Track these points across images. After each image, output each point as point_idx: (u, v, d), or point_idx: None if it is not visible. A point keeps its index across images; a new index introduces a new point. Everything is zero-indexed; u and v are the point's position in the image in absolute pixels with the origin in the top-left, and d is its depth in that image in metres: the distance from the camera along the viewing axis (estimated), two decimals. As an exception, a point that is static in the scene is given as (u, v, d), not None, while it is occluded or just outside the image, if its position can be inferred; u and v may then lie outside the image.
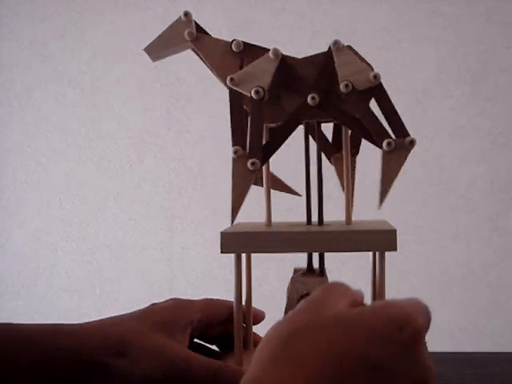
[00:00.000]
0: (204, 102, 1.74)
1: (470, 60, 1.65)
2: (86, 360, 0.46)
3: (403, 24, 1.66)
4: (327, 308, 0.34)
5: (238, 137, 0.50)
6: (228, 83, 0.50)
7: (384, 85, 0.50)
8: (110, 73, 1.79)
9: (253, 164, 0.49)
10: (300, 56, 0.53)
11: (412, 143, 0.50)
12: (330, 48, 0.51)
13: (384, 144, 0.49)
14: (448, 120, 1.65)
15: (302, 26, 1.69)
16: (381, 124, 0.50)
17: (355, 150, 0.56)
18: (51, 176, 1.84)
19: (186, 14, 0.54)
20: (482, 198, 1.65)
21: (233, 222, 0.51)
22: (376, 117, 0.50)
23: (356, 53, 0.52)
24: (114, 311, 0.57)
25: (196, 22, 0.55)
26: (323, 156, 0.57)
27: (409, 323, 0.32)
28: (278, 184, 0.60)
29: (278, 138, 0.51)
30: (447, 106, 1.65)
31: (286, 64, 0.51)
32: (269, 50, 0.51)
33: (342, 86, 0.49)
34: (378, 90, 0.50)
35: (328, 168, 0.58)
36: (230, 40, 0.53)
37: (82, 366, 0.46)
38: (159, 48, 0.55)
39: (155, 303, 0.54)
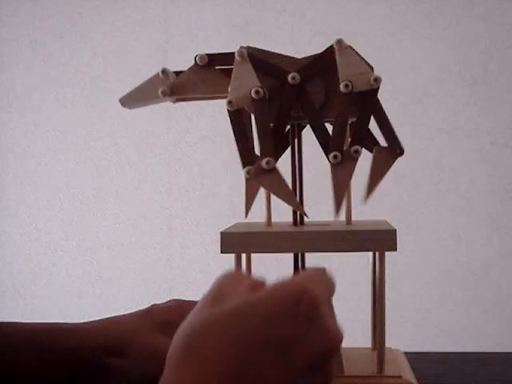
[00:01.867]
0: (204, 102, 1.74)
1: (470, 60, 1.65)
2: (86, 359, 0.46)
3: (403, 24, 1.66)
4: (224, 300, 0.34)
5: (247, 157, 0.51)
6: (228, 108, 0.50)
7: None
8: (110, 73, 1.79)
9: (268, 163, 0.50)
10: (300, 56, 0.53)
11: (357, 152, 0.50)
12: (330, 47, 0.51)
13: (330, 156, 0.50)
14: (448, 120, 1.65)
15: (301, 26, 1.69)
16: (341, 136, 0.50)
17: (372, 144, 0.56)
18: (51, 176, 1.84)
19: (163, 71, 0.55)
20: (481, 198, 1.65)
21: (246, 216, 0.52)
22: (344, 129, 0.50)
23: (356, 53, 0.52)
24: (113, 311, 0.57)
25: (170, 74, 0.55)
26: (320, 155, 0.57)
27: (304, 295, 0.32)
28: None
29: (277, 135, 0.51)
30: (447, 106, 1.65)
31: (256, 60, 0.51)
32: (233, 53, 0.51)
33: (342, 86, 0.49)
34: (372, 95, 0.50)
35: (327, 168, 0.58)
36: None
37: (82, 366, 0.46)
38: (135, 101, 0.57)
39: (155, 304, 0.54)
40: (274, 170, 0.50)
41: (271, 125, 0.54)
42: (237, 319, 0.32)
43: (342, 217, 0.55)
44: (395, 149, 0.51)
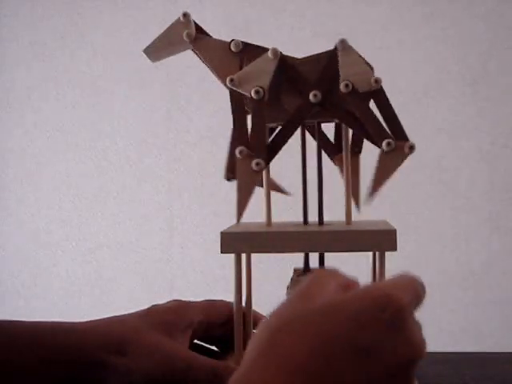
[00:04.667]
0: (204, 102, 1.74)
1: (470, 60, 1.65)
2: (87, 359, 0.46)
3: (403, 24, 1.66)
4: (313, 298, 0.34)
5: (241, 137, 0.50)
6: (228, 84, 0.50)
7: (384, 85, 0.50)
8: (110, 73, 1.79)
9: (257, 164, 0.49)
10: (300, 56, 0.53)
11: (412, 148, 0.50)
12: (335, 47, 0.51)
13: (384, 144, 0.49)
14: (448, 120, 1.65)
15: (302, 27, 1.69)
16: (381, 124, 0.50)
17: (358, 148, 0.56)
18: (51, 176, 1.84)
19: (185, 14, 0.54)
20: (481, 198, 1.65)
21: (238, 221, 0.51)
22: (376, 117, 0.50)
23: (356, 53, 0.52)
24: (114, 311, 0.57)
25: (196, 23, 0.55)
26: (324, 156, 0.57)
27: (390, 303, 0.32)
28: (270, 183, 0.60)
29: (280, 138, 0.51)
30: (447, 105, 1.65)
31: (285, 63, 0.51)
32: (268, 49, 0.51)
33: (342, 86, 0.49)
34: (378, 94, 0.50)
35: (327, 168, 0.58)
36: (229, 40, 0.53)
37: (83, 365, 0.46)
38: (158, 49, 0.56)
39: (156, 304, 0.54)
40: (261, 173, 0.50)
41: (271, 125, 0.55)
42: (322, 317, 0.32)
43: (342, 217, 0.56)
44: (404, 144, 0.50)
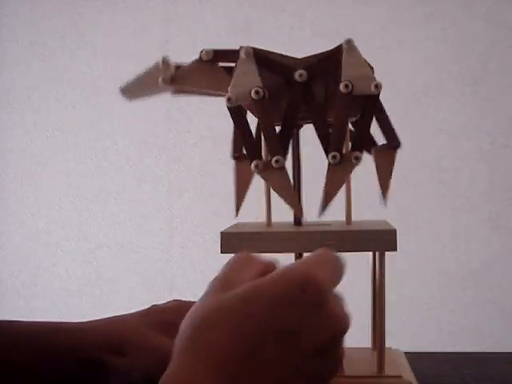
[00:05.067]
0: (204, 102, 1.73)
1: (470, 60, 1.65)
2: (87, 359, 0.46)
3: (403, 24, 1.66)
4: (231, 285, 0.34)
5: (254, 151, 0.50)
6: (227, 104, 0.50)
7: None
8: (110, 73, 1.79)
9: (277, 161, 0.49)
10: (300, 56, 0.53)
11: (357, 159, 0.50)
12: (339, 46, 0.50)
13: (329, 156, 0.49)
14: (448, 120, 1.65)
15: (302, 27, 1.69)
16: (342, 136, 0.50)
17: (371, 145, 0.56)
18: (51, 176, 1.84)
19: (164, 60, 0.54)
20: (481, 198, 1.65)
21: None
22: (345, 129, 0.50)
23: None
24: (113, 311, 0.57)
25: (176, 65, 0.54)
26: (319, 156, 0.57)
27: (310, 282, 0.32)
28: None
29: (286, 132, 0.51)
30: (447, 106, 1.65)
31: (262, 57, 0.51)
32: (238, 50, 0.51)
33: (341, 86, 0.49)
34: (373, 100, 0.50)
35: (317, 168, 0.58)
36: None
37: (83, 365, 0.46)
38: (135, 90, 0.56)
39: (156, 304, 0.54)
40: (284, 169, 0.50)
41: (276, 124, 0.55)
42: (242, 305, 0.32)
43: (342, 217, 0.55)
44: (392, 142, 0.51)
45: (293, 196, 0.51)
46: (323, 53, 0.52)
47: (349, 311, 0.34)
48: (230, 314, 0.32)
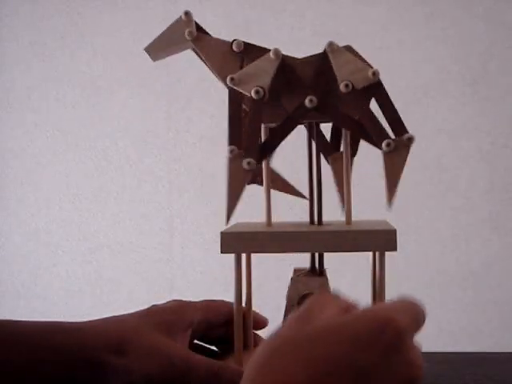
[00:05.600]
0: (204, 102, 1.74)
1: (470, 60, 1.65)
2: (86, 359, 0.46)
3: (403, 24, 1.66)
4: (312, 320, 0.34)
5: (234, 136, 0.50)
6: (228, 83, 0.50)
7: (384, 85, 0.50)
8: (110, 73, 1.79)
9: (248, 163, 0.49)
10: (300, 56, 0.53)
11: (410, 140, 0.50)
12: (324, 50, 0.51)
13: (383, 145, 0.49)
14: (448, 120, 1.65)
15: (302, 27, 1.69)
16: (379, 124, 0.50)
17: (353, 151, 0.56)
18: (51, 176, 1.84)
19: (187, 13, 0.54)
20: (481, 198, 1.65)
21: (228, 221, 0.50)
22: (375, 117, 0.50)
23: (356, 53, 0.52)
24: (113, 311, 0.57)
25: (197, 23, 0.55)
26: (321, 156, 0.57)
27: (390, 325, 0.32)
28: (283, 185, 0.60)
29: (275, 138, 0.51)
30: (447, 105, 1.65)
31: (285, 64, 0.51)
32: (269, 50, 0.51)
33: (341, 87, 0.49)
34: (377, 88, 0.50)
35: (327, 168, 0.58)
36: (231, 40, 0.53)
37: (82, 365, 0.46)
38: (160, 47, 0.55)
39: (156, 304, 0.54)
40: (251, 171, 0.50)
41: (271, 125, 0.54)
42: (317, 340, 0.32)
43: (342, 217, 0.55)
44: (402, 134, 0.50)
45: (233, 198, 0.50)
46: (314, 58, 0.51)
47: (423, 360, 0.34)
48: (302, 347, 0.32)
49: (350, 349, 0.31)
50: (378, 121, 0.50)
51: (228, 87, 0.50)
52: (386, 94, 0.50)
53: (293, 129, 0.51)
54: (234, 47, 0.53)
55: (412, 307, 0.36)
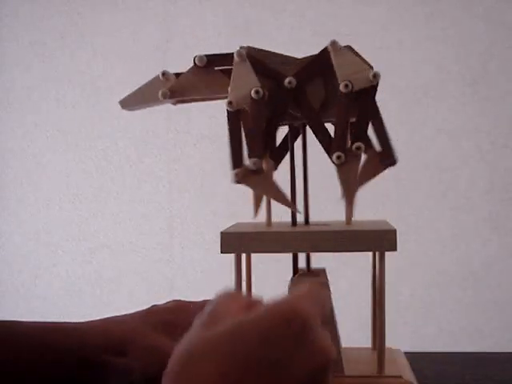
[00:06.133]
0: (204, 102, 1.73)
1: (470, 60, 1.65)
2: (87, 358, 0.46)
3: (403, 24, 1.66)
4: (217, 322, 0.34)
5: (237, 158, 0.51)
6: (228, 108, 0.50)
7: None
8: (110, 73, 1.79)
9: (254, 163, 0.49)
10: (300, 56, 0.53)
11: (358, 149, 0.50)
12: (325, 48, 0.51)
13: (334, 157, 0.50)
14: (448, 120, 1.65)
15: (302, 27, 1.69)
16: (343, 136, 0.50)
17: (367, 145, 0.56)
18: (51, 176, 1.84)
19: (164, 73, 0.55)
20: (481, 197, 1.65)
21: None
22: (345, 129, 0.50)
23: (356, 53, 0.52)
24: (113, 311, 0.57)
25: (170, 76, 0.55)
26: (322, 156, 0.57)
27: (295, 315, 0.33)
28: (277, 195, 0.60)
29: (269, 135, 0.52)
30: (447, 106, 1.65)
31: (256, 60, 0.51)
32: (232, 53, 0.51)
33: (341, 86, 0.49)
34: (369, 92, 0.50)
35: (328, 168, 0.58)
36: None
37: (83, 365, 0.46)
38: (135, 103, 0.57)
39: (156, 304, 0.54)
40: (261, 171, 0.50)
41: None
42: (228, 342, 0.32)
43: (342, 217, 0.55)
44: (387, 157, 0.51)
45: (281, 195, 0.51)
46: (312, 56, 0.52)
47: (332, 343, 0.34)
48: (214, 349, 0.32)
49: (259, 345, 0.32)
50: (345, 133, 0.50)
51: (228, 112, 0.51)
52: (375, 104, 0.50)
53: (275, 130, 0.52)
54: (198, 63, 0.53)
55: (313, 293, 0.36)
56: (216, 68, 0.53)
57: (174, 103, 0.57)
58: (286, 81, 0.50)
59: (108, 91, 1.79)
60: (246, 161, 0.51)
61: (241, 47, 0.51)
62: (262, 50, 0.52)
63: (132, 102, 0.57)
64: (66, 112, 1.82)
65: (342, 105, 0.50)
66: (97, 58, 1.80)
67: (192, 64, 0.55)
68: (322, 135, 0.51)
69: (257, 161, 0.49)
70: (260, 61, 0.51)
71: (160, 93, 0.54)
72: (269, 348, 0.32)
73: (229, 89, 0.51)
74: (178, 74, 0.55)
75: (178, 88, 0.54)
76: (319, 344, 0.33)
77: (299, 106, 0.51)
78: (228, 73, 0.52)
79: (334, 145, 0.50)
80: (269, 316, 0.33)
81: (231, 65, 0.51)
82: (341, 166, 0.50)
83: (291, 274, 0.56)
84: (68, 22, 1.81)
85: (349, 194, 0.50)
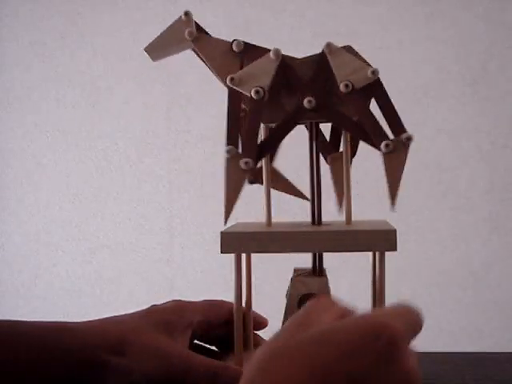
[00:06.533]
0: (204, 102, 1.74)
1: (470, 60, 1.65)
2: (86, 359, 0.46)
3: (403, 24, 1.66)
4: (309, 326, 0.34)
5: (232, 137, 0.50)
6: (228, 83, 0.50)
7: (384, 85, 0.50)
8: (110, 73, 1.79)
9: (246, 163, 0.49)
10: (300, 56, 0.53)
11: (409, 139, 0.50)
12: (322, 51, 0.51)
13: (382, 146, 0.49)
14: (448, 120, 1.65)
15: (302, 27, 1.69)
16: (378, 125, 0.50)
17: (353, 151, 0.56)
18: (51, 176, 1.84)
19: (187, 13, 0.54)
20: (481, 197, 1.65)
21: (226, 222, 0.50)
22: (374, 118, 0.50)
23: (356, 53, 0.52)
24: (113, 311, 0.57)
25: (197, 23, 0.55)
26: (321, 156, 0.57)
27: (384, 331, 0.32)
28: (285, 186, 0.60)
29: (274, 139, 0.51)
30: (447, 106, 1.65)
31: (285, 64, 0.51)
32: (269, 50, 0.51)
33: (341, 87, 0.49)
34: (376, 88, 0.50)
35: (326, 168, 0.58)
36: (230, 40, 0.53)
37: (82, 365, 0.46)
38: (159, 47, 0.55)
39: (155, 304, 0.54)
40: (251, 171, 0.50)
41: (271, 125, 0.55)
42: (315, 346, 0.32)
43: (342, 217, 0.55)
44: (401, 134, 0.50)
45: (231, 199, 0.49)
46: (313, 58, 0.52)
47: (418, 367, 0.33)
48: (300, 350, 0.32)
49: (344, 355, 0.31)
50: (377, 121, 0.50)
51: (228, 87, 0.50)
52: (386, 93, 0.50)
53: (291, 129, 0.51)
54: (234, 47, 0.53)
55: (409, 314, 0.36)
56: (243, 55, 0.53)
57: (192, 48, 0.55)
58: (306, 101, 0.50)
59: (108, 91, 1.79)
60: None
61: (277, 48, 0.51)
62: (294, 59, 0.52)
63: (157, 47, 0.55)
64: (66, 112, 1.82)
65: (350, 103, 0.49)
66: (97, 57, 1.80)
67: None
68: (371, 124, 0.50)
69: (249, 161, 0.49)
70: (291, 67, 0.51)
71: (187, 31, 0.53)
72: (353, 358, 0.31)
73: (240, 70, 0.50)
74: (201, 29, 0.54)
75: (201, 42, 0.53)
76: (407, 366, 0.32)
77: (331, 120, 0.51)
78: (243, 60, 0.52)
79: (375, 135, 0.49)
80: (358, 326, 0.33)
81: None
82: (388, 155, 0.49)
83: (291, 274, 0.56)
84: (68, 21, 1.81)
85: (394, 184, 0.50)
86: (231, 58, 0.53)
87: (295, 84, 0.51)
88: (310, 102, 0.50)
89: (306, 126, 0.56)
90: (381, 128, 0.50)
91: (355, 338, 0.32)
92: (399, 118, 0.50)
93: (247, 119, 0.50)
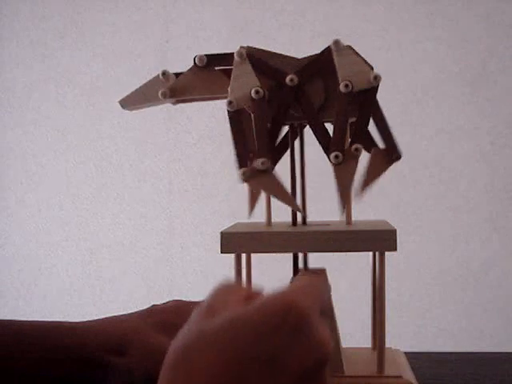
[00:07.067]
0: (204, 102, 1.74)
1: (469, 60, 1.65)
2: (87, 358, 0.46)
3: (403, 24, 1.66)
4: (215, 313, 0.34)
5: (242, 158, 0.51)
6: (229, 109, 0.50)
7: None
8: (110, 73, 1.79)
9: (263, 163, 0.50)
10: (300, 56, 0.53)
11: (357, 150, 0.50)
12: (328, 47, 0.51)
13: (331, 157, 0.50)
14: (448, 120, 1.65)
15: (302, 26, 1.69)
16: (342, 135, 0.50)
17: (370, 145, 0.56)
18: (51, 176, 1.84)
19: (164, 73, 0.55)
20: (481, 198, 1.65)
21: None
22: (346, 128, 0.50)
23: (356, 53, 0.52)
24: (113, 311, 0.57)
25: (175, 74, 0.55)
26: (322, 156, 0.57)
27: (291, 308, 0.33)
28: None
29: (272, 134, 0.52)
30: (447, 106, 1.65)
31: (256, 60, 0.52)
32: (232, 53, 0.51)
33: (341, 86, 0.49)
34: (370, 94, 0.50)
35: (328, 167, 0.58)
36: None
37: (83, 365, 0.46)
38: (135, 102, 0.57)
39: (155, 304, 0.54)
40: (269, 171, 0.50)
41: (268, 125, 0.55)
42: (225, 334, 0.32)
43: (342, 217, 0.55)
44: (392, 153, 0.51)
45: (288, 196, 0.51)
46: (314, 55, 0.52)
47: (330, 336, 0.34)
48: (210, 341, 0.32)
49: (256, 338, 0.32)
50: (344, 130, 0.50)
51: (229, 112, 0.51)
52: (376, 102, 0.51)
53: (279, 129, 0.52)
54: (198, 63, 0.53)
55: (313, 285, 0.36)
56: (216, 68, 0.53)
57: (174, 103, 0.57)
58: (288, 78, 0.50)
59: (108, 91, 1.79)
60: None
61: (241, 47, 0.51)
62: (261, 49, 0.52)
63: (132, 101, 0.57)
64: (65, 112, 1.82)
65: (341, 105, 0.50)
66: (97, 58, 1.80)
67: (192, 64, 0.55)
68: (321, 134, 0.51)
69: (265, 161, 0.50)
70: (260, 60, 0.51)
71: (160, 92, 0.54)
72: (264, 340, 0.32)
73: (229, 89, 0.51)
74: (177, 74, 0.55)
75: (178, 88, 0.54)
76: (316, 337, 0.33)
77: (299, 104, 0.51)
78: (228, 73, 0.52)
79: (332, 144, 0.50)
80: (264, 308, 0.33)
81: (231, 65, 0.51)
82: (338, 166, 0.50)
83: (291, 274, 0.56)
84: (68, 22, 1.81)
85: (343, 195, 0.50)
86: (207, 75, 0.54)
87: (274, 72, 0.52)
88: (292, 80, 0.50)
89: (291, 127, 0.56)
90: (340, 138, 0.50)
91: (263, 320, 0.32)
92: (366, 130, 0.51)
93: (253, 120, 0.51)
